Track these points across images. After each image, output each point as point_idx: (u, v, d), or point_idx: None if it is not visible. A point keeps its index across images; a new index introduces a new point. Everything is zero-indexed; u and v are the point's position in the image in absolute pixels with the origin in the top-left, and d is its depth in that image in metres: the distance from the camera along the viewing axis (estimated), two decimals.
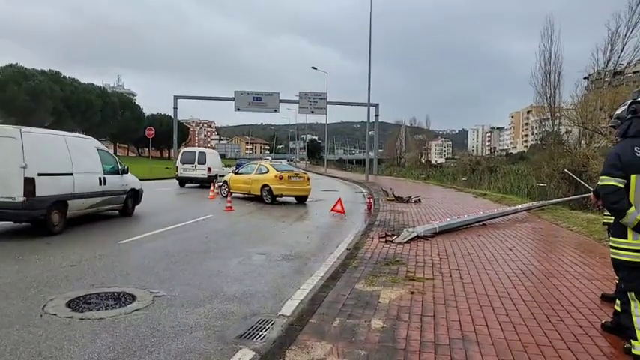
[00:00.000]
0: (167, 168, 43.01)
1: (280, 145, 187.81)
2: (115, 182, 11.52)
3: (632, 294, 3.60)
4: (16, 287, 5.55)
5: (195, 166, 23.95)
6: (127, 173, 12.29)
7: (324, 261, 7.61)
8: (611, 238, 3.90)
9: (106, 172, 11.20)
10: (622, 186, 3.55)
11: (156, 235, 9.59)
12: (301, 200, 17.62)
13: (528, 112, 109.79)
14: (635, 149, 3.54)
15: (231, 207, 14.27)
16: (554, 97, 23.07)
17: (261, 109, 55.41)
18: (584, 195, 15.01)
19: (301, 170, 25.23)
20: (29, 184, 8.64)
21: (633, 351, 3.54)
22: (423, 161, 67.63)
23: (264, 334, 4.35)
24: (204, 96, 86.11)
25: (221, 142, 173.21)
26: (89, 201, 10.51)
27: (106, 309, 4.87)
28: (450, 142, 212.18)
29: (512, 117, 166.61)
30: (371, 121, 43.51)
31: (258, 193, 17.10)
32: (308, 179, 17.98)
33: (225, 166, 30.02)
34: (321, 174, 51.46)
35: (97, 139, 13.24)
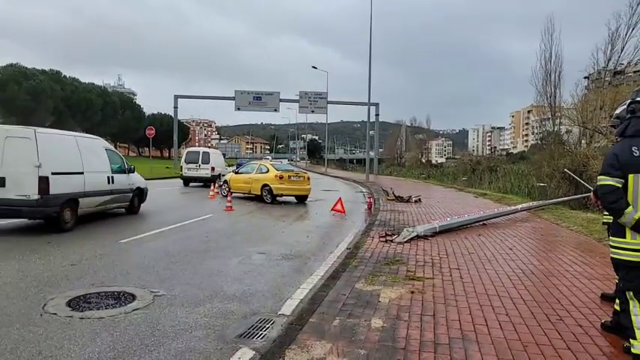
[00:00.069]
0: (167, 167, 43.07)
1: (280, 144, 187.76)
2: (122, 181, 11.83)
3: (631, 293, 3.61)
4: (16, 287, 5.56)
5: (199, 165, 24.34)
6: (133, 172, 12.62)
7: (324, 260, 7.61)
8: (610, 237, 3.90)
9: (113, 171, 11.53)
10: (620, 186, 3.56)
11: (156, 234, 9.60)
12: (301, 200, 17.62)
13: (529, 111, 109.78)
14: (633, 149, 3.54)
15: (231, 206, 14.27)
16: (555, 97, 23.07)
17: (261, 109, 55.49)
18: (584, 194, 15.02)
19: (301, 170, 25.23)
20: (43, 182, 8.97)
21: (633, 350, 3.54)
22: (424, 161, 67.57)
23: (264, 333, 4.35)
24: (205, 95, 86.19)
25: (221, 141, 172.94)
26: (98, 199, 10.85)
27: (106, 308, 4.87)
28: (451, 142, 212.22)
29: (512, 116, 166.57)
30: (371, 120, 43.60)
31: (259, 193, 17.10)
32: (308, 179, 17.98)
33: (229, 166, 30.14)
34: (321, 173, 51.44)
35: None
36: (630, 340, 3.60)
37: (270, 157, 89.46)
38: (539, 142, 32.92)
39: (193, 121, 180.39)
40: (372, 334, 4.13)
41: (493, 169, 35.72)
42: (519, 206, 14.07)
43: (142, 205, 13.10)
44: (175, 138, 57.46)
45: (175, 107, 56.40)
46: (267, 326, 4.54)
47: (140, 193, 12.93)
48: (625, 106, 3.94)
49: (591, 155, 17.85)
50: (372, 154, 51.92)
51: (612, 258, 3.83)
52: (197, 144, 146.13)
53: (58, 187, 9.32)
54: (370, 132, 44.77)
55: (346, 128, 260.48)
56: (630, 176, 3.53)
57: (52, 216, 9.32)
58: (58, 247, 7.94)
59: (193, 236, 9.50)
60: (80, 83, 79.48)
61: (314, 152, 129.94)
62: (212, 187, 19.36)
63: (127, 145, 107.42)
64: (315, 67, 50.04)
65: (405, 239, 8.82)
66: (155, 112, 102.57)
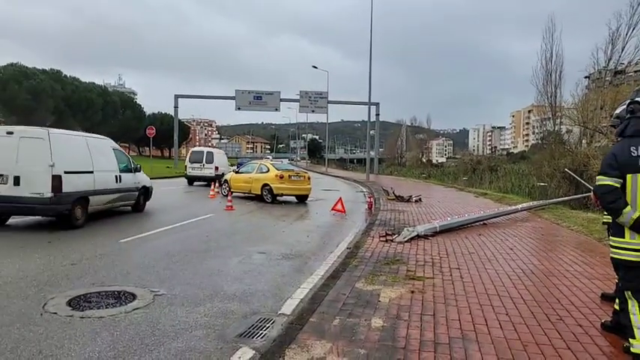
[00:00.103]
0: (168, 167, 43.08)
1: (281, 144, 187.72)
2: (128, 180, 12.19)
3: (629, 293, 3.61)
4: (16, 286, 5.56)
5: (204, 165, 24.80)
6: (139, 171, 13.02)
7: (325, 260, 7.62)
8: (610, 237, 3.90)
9: (121, 170, 11.88)
10: (618, 186, 3.56)
11: (156, 234, 9.60)
12: (302, 199, 17.62)
13: (529, 111, 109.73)
14: (632, 149, 3.55)
15: (231, 206, 14.27)
16: (556, 97, 23.02)
17: (261, 108, 55.49)
18: (584, 194, 15.01)
19: (302, 169, 25.23)
20: (56, 181, 9.32)
21: (632, 349, 3.54)
22: (424, 160, 67.61)
23: (265, 333, 4.35)
24: (205, 95, 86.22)
25: (222, 141, 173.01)
26: (107, 197, 11.23)
27: (107, 308, 4.88)
28: (451, 142, 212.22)
29: (513, 116, 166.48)
30: (372, 120, 43.59)
31: (259, 192, 17.11)
32: (309, 178, 17.99)
33: (231, 165, 30.28)
34: (321, 173, 51.46)
35: None
36: (630, 339, 3.60)
37: (270, 157, 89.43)
38: (539, 141, 32.89)
39: (194, 120, 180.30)
40: (372, 333, 4.13)
41: (493, 168, 35.69)
42: (520, 206, 14.07)
43: (146, 203, 13.40)
44: (176, 137, 57.47)
45: (176, 107, 56.42)
46: (268, 326, 4.54)
47: (145, 192, 13.28)
48: (625, 106, 3.94)
49: (592, 155, 17.83)
50: (372, 153, 51.91)
51: (612, 258, 3.83)
52: (197, 143, 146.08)
53: (70, 185, 9.65)
54: (371, 132, 44.77)
55: (347, 128, 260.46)
56: (628, 176, 3.54)
57: (64, 213, 9.63)
58: (58, 246, 7.95)
59: (193, 236, 9.51)
60: (81, 83, 79.45)
61: (314, 152, 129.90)
62: (212, 187, 19.37)
63: (127, 145, 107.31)
64: (315, 67, 50.10)
65: (406, 239, 8.82)
66: (155, 112, 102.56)
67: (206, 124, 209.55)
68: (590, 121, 20.58)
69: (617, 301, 4.20)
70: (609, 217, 4.22)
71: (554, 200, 16.06)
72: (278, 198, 16.94)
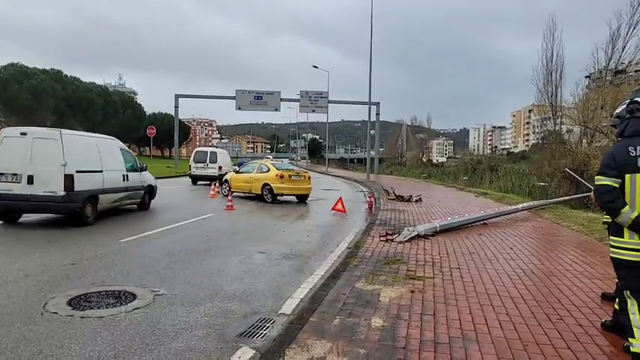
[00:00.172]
0: (168, 167, 43.07)
1: (281, 144, 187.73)
2: (135, 179, 12.60)
3: (628, 292, 3.62)
4: (17, 285, 5.57)
5: (207, 164, 25.29)
6: (145, 170, 13.42)
7: (325, 260, 7.62)
8: (610, 237, 3.90)
9: (127, 170, 12.28)
10: (617, 185, 3.57)
11: (156, 233, 9.61)
12: (302, 199, 17.62)
13: (530, 110, 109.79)
14: (630, 149, 3.55)
15: (232, 206, 14.28)
16: (556, 96, 22.99)
17: (262, 108, 55.38)
18: (585, 194, 15.00)
19: (302, 169, 25.23)
20: (69, 180, 9.71)
21: (632, 349, 3.54)
22: (424, 160, 67.59)
23: (265, 332, 4.36)
24: (206, 95, 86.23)
25: (222, 140, 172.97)
26: (115, 195, 11.62)
27: (107, 307, 4.88)
28: (452, 141, 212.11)
29: (513, 116, 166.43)
30: (372, 119, 43.57)
31: (259, 192, 17.11)
32: (309, 178, 17.99)
33: (235, 165, 30.43)
34: (322, 173, 51.47)
35: None
36: (629, 338, 3.60)
37: (271, 157, 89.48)
38: (540, 141, 32.92)
39: (194, 120, 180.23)
40: (372, 333, 4.13)
41: (494, 168, 35.67)
42: (520, 206, 14.06)
43: (151, 201, 13.70)
44: (176, 137, 57.40)
45: (176, 106, 56.35)
46: (268, 325, 4.54)
47: (150, 190, 13.72)
48: (625, 106, 3.94)
49: (592, 155, 17.82)
50: (372, 153, 51.86)
51: (611, 257, 3.83)
52: (198, 143, 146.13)
53: (81, 184, 10.00)
54: (371, 131, 44.77)
55: (347, 128, 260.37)
56: (627, 176, 3.54)
57: (76, 211, 9.97)
58: (58, 246, 7.95)
59: (194, 235, 9.51)
60: (81, 82, 79.44)
61: (315, 151, 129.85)
62: (213, 187, 19.38)
63: (127, 145, 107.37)
64: (315, 67, 50.12)
65: (406, 238, 8.82)
66: (156, 112, 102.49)
67: (206, 124, 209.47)
68: (590, 121, 20.56)
69: (617, 300, 4.20)
70: (609, 216, 4.23)
71: (555, 200, 16.05)
72: (278, 198, 16.94)
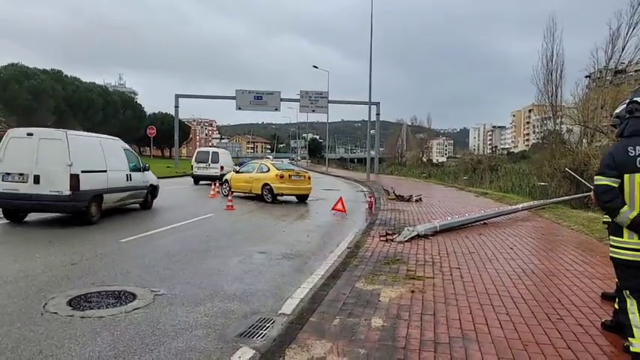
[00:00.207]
0: (168, 167, 43.06)
1: (281, 144, 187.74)
2: (138, 178, 12.79)
3: (627, 292, 3.62)
4: (17, 286, 5.57)
5: (209, 164, 25.61)
6: (147, 170, 13.63)
7: (325, 260, 7.62)
8: (610, 236, 3.90)
9: (131, 170, 12.46)
10: (615, 185, 3.57)
11: (156, 233, 9.61)
12: (302, 199, 17.62)
13: (530, 110, 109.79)
14: (629, 149, 3.55)
15: (232, 206, 14.28)
16: (556, 96, 23.00)
17: (262, 108, 55.40)
18: (585, 194, 15.00)
19: (302, 169, 25.24)
20: (74, 179, 9.88)
21: (632, 349, 3.54)
22: (425, 160, 67.58)
23: (265, 332, 4.36)
24: (206, 95, 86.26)
25: (222, 140, 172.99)
26: (119, 195, 11.81)
27: (107, 307, 4.88)
28: (452, 141, 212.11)
29: (513, 115, 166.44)
30: (372, 119, 43.58)
31: (259, 192, 17.11)
32: (309, 178, 17.99)
33: (237, 165, 30.58)
34: (322, 173, 51.45)
35: None
36: (629, 338, 3.60)
37: (271, 157, 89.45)
38: (540, 141, 32.92)
39: (194, 120, 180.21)
40: (372, 333, 4.13)
41: (494, 168, 35.68)
42: (520, 205, 14.06)
43: (154, 200, 13.82)
44: (176, 137, 57.41)
45: (176, 106, 56.36)
46: (268, 325, 4.54)
47: (153, 190, 13.93)
48: (624, 106, 3.94)
49: (592, 154, 17.82)
50: (372, 153, 51.87)
51: (611, 257, 3.83)
52: (198, 143, 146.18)
53: (87, 183, 10.18)
54: (371, 131, 44.78)
55: (347, 127, 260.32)
56: (626, 176, 3.54)
57: (82, 210, 10.16)
58: (58, 246, 7.95)
59: (194, 235, 9.51)
60: (81, 83, 79.45)
61: (315, 151, 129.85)
62: (213, 187, 19.38)
63: (128, 145, 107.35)
64: (315, 67, 50.11)
65: (406, 238, 8.82)
66: (156, 112, 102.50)
67: (206, 124, 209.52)
68: (590, 121, 20.55)
69: (617, 300, 4.20)
70: (608, 216, 4.23)
71: (555, 200, 16.04)
72: (278, 198, 16.94)
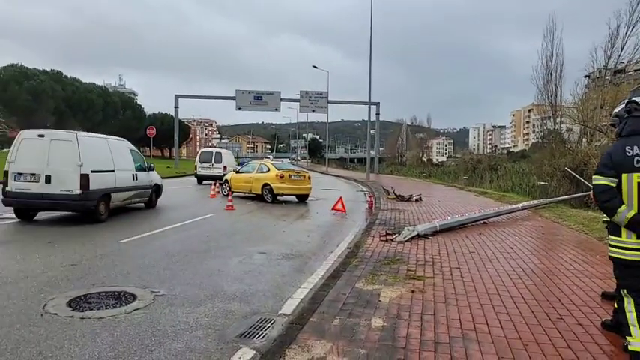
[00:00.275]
0: (168, 167, 43.03)
1: (281, 144, 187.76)
2: (143, 178, 13.14)
3: (625, 290, 3.62)
4: (17, 286, 5.56)
5: (212, 164, 26.05)
6: (152, 170, 13.99)
7: (325, 260, 7.62)
8: (609, 236, 3.91)
9: (136, 170, 12.80)
10: (613, 185, 3.57)
11: (156, 234, 9.60)
12: (302, 199, 17.62)
13: (529, 110, 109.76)
14: (627, 149, 3.55)
15: (232, 206, 14.27)
16: (556, 96, 23.05)
17: (262, 108, 55.44)
18: (585, 193, 15.01)
19: (302, 169, 25.25)
20: (84, 179, 10.24)
21: (629, 347, 3.53)
22: (424, 160, 67.60)
23: (265, 332, 4.35)
24: (205, 95, 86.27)
25: (222, 141, 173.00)
26: (126, 194, 12.15)
27: (107, 308, 4.87)
28: (452, 141, 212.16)
29: (513, 115, 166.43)
30: (372, 119, 43.57)
31: (259, 192, 17.11)
32: (309, 178, 17.98)
33: (239, 165, 30.74)
34: (322, 173, 51.46)
35: None
36: (626, 337, 3.60)
37: (271, 157, 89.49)
38: (540, 140, 32.91)
39: (194, 120, 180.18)
40: (372, 333, 4.13)
41: (494, 167, 35.71)
42: (520, 205, 14.06)
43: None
44: (176, 138, 57.43)
45: (176, 107, 56.37)
46: (268, 326, 4.54)
47: (157, 189, 14.30)
48: (623, 105, 3.94)
49: (592, 154, 17.84)
50: (372, 153, 51.87)
51: (609, 256, 3.84)
52: (198, 144, 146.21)
53: (96, 183, 10.52)
54: (371, 131, 44.76)
55: (347, 127, 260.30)
56: (624, 176, 3.54)
57: (91, 209, 10.49)
58: (58, 246, 7.95)
59: (194, 236, 9.51)
60: (81, 83, 79.44)
61: (315, 151, 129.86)
62: (213, 187, 19.39)
63: None
64: (315, 67, 50.08)
65: (406, 238, 8.82)
66: (156, 112, 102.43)
67: (206, 124, 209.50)
68: (590, 120, 20.56)
69: (617, 299, 4.20)
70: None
71: (555, 199, 16.05)
72: (278, 198, 16.94)
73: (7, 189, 10.29)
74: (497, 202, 17.25)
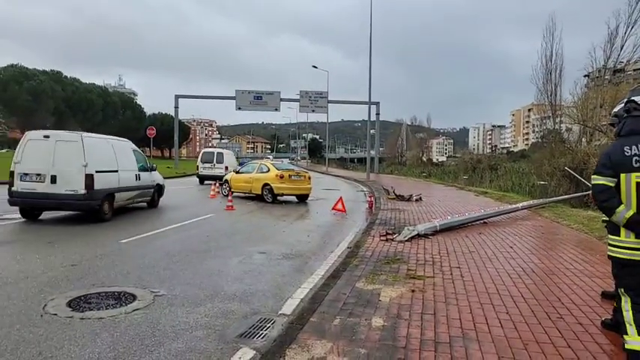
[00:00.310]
0: (168, 167, 43.06)
1: (281, 144, 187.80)
2: (146, 178, 13.34)
3: (622, 290, 3.63)
4: (16, 287, 5.56)
5: (214, 165, 26.44)
6: (154, 170, 14.21)
7: (325, 260, 7.61)
8: (608, 235, 3.91)
9: (139, 170, 12.99)
10: (612, 185, 3.57)
11: (157, 234, 9.60)
12: (302, 199, 17.61)
13: (529, 110, 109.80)
14: (625, 148, 3.55)
15: (232, 206, 14.27)
16: (556, 95, 23.06)
17: (262, 108, 55.54)
18: (584, 193, 15.01)
19: (302, 169, 25.25)
20: (89, 179, 10.43)
21: (626, 346, 3.53)
22: (424, 159, 67.58)
23: (265, 333, 4.35)
24: (205, 95, 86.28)
25: (222, 141, 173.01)
26: (129, 194, 12.36)
27: (107, 309, 4.87)
28: (451, 140, 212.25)
29: (513, 115, 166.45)
30: (372, 119, 43.58)
31: (260, 192, 17.11)
32: (309, 178, 17.98)
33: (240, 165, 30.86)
34: (322, 173, 51.46)
35: None
36: (623, 336, 3.60)
37: (271, 157, 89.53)
38: (539, 140, 32.91)
39: (194, 120, 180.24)
40: (372, 333, 4.13)
41: (494, 167, 35.70)
42: (520, 204, 14.06)
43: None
44: (176, 138, 57.52)
45: (176, 107, 56.44)
46: (268, 326, 4.54)
47: (159, 189, 14.53)
48: (623, 105, 3.94)
49: (592, 153, 17.83)
50: (372, 153, 51.89)
51: (608, 255, 3.84)
52: (198, 144, 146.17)
53: (100, 183, 10.72)
54: (371, 131, 44.77)
55: (347, 127, 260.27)
56: (622, 175, 3.54)
57: (95, 208, 10.68)
58: (58, 247, 7.95)
59: (194, 236, 9.51)
60: (81, 84, 79.55)
61: (315, 151, 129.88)
62: (213, 187, 19.39)
63: None
64: (315, 67, 50.08)
65: (406, 238, 8.82)
66: (156, 112, 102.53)
67: (206, 124, 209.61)
68: (589, 120, 20.57)
69: (617, 298, 4.19)
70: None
71: (555, 199, 16.05)
72: (278, 198, 16.94)
73: (13, 189, 10.47)
74: (497, 202, 17.25)
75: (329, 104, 54.04)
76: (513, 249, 8.18)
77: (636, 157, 3.47)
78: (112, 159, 11.54)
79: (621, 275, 3.67)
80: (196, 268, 6.74)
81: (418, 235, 9.09)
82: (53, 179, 10.27)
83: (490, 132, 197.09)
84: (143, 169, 13.24)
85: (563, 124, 23.40)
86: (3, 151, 63.18)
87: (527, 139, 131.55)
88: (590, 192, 11.94)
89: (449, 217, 10.85)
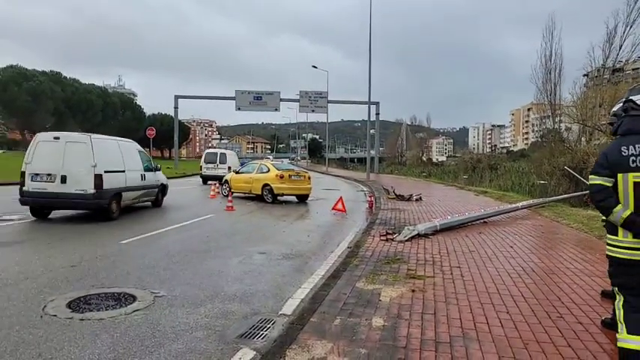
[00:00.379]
0: (168, 167, 43.02)
1: (281, 144, 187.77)
2: (150, 178, 13.70)
3: (616, 288, 3.63)
4: (16, 288, 5.55)
5: (217, 165, 26.97)
6: (159, 170, 14.60)
7: (325, 260, 7.61)
8: (607, 235, 3.91)
9: (144, 170, 13.32)
10: (609, 185, 3.56)
11: (156, 234, 9.60)
12: (302, 199, 17.62)
13: (529, 109, 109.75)
14: (622, 148, 3.54)
15: (232, 206, 14.27)
16: (555, 95, 23.06)
17: (261, 109, 55.57)
18: (584, 192, 14.98)
19: (302, 169, 25.25)
20: (98, 179, 10.75)
21: (618, 344, 3.52)
22: (424, 159, 67.66)
23: (265, 333, 4.35)
24: (205, 95, 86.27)
25: (222, 141, 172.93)
26: (135, 193, 12.69)
27: (107, 310, 4.87)
28: (451, 140, 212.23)
29: (512, 114, 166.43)
30: (372, 119, 43.58)
31: (259, 192, 17.11)
32: (309, 178, 17.98)
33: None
34: (322, 173, 51.47)
35: None
36: (617, 334, 3.59)
37: (271, 157, 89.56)
38: (539, 139, 32.85)
39: (194, 121, 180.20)
40: (373, 333, 4.12)
41: (493, 167, 35.71)
42: (520, 204, 14.06)
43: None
44: (176, 138, 57.53)
45: (176, 107, 56.46)
46: (268, 326, 4.53)
47: (163, 189, 14.94)
48: (621, 104, 3.94)
49: (591, 152, 17.83)
50: (372, 152, 51.90)
51: (607, 255, 3.84)
52: (197, 144, 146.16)
53: (108, 183, 11.05)
54: (371, 131, 44.76)
55: (347, 127, 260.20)
56: (619, 175, 3.54)
57: (104, 207, 11.00)
58: (58, 247, 7.94)
59: (194, 236, 9.50)
60: (80, 84, 79.54)
61: (315, 151, 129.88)
62: (213, 187, 19.39)
63: None
64: (315, 67, 50.08)
65: (406, 238, 8.82)
66: (155, 113, 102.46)
67: (206, 125, 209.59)
68: (589, 119, 20.58)
69: None
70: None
71: (554, 198, 16.05)
72: (278, 198, 16.94)
73: (24, 189, 10.76)
74: (497, 201, 17.25)
75: (329, 104, 54.08)
76: (513, 248, 8.18)
77: (633, 157, 3.47)
78: (119, 159, 11.85)
79: (616, 274, 3.67)
80: (196, 269, 6.74)
81: (418, 235, 9.09)
82: (63, 179, 10.59)
83: (490, 131, 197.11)
84: (148, 169, 13.55)
85: (562, 123, 23.40)
86: (1, 152, 63.14)
87: (526, 138, 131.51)
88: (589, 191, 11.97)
89: (449, 217, 10.86)
